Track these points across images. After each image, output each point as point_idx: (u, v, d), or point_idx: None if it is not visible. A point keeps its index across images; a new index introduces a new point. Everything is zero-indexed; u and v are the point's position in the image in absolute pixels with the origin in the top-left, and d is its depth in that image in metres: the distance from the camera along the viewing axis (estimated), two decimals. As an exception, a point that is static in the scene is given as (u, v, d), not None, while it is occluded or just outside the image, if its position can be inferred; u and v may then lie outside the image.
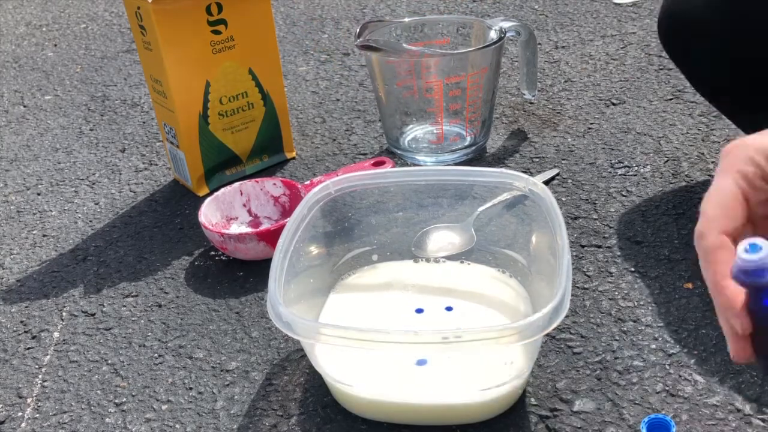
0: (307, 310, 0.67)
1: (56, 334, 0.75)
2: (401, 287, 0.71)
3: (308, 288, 0.68)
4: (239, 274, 0.80)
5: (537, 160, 0.94)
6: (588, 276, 0.74)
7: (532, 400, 0.61)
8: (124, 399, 0.66)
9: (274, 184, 0.86)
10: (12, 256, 0.87)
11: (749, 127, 0.78)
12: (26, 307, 0.79)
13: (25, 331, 0.75)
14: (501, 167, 0.92)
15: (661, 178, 0.88)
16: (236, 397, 0.65)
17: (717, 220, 0.45)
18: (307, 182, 0.87)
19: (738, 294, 0.42)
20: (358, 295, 0.71)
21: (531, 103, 1.08)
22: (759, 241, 0.40)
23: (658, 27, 0.82)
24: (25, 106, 1.25)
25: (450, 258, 0.74)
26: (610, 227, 0.81)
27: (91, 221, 0.92)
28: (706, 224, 0.45)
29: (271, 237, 0.77)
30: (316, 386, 0.65)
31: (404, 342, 0.55)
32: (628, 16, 1.35)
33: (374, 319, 0.67)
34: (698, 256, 0.45)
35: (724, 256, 0.43)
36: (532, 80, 1.02)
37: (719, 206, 0.45)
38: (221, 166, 0.95)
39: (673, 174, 0.89)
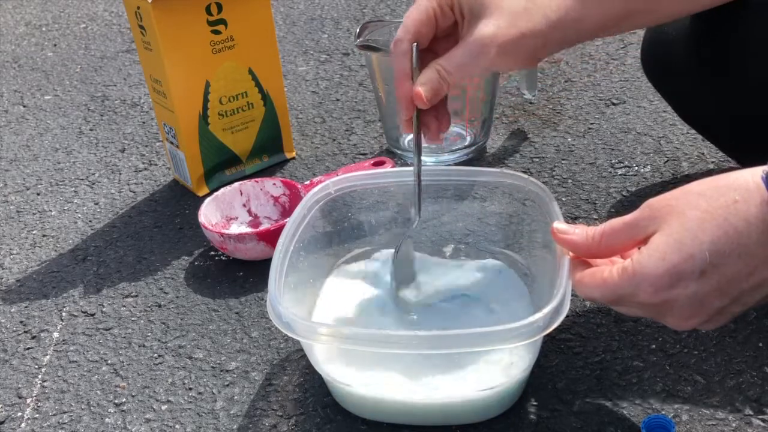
0: (306, 310, 0.67)
1: (56, 335, 0.75)
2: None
3: (308, 288, 0.68)
4: (239, 274, 0.80)
5: (537, 160, 0.94)
6: (588, 276, 0.74)
7: (532, 400, 0.61)
8: (124, 399, 0.66)
9: (274, 184, 0.86)
10: (12, 256, 0.87)
11: (739, 159, 0.80)
12: (26, 307, 0.79)
13: (25, 331, 0.75)
14: (501, 167, 0.92)
15: (661, 178, 0.88)
16: (236, 397, 0.65)
17: (410, 32, 0.61)
18: (307, 182, 0.87)
19: (406, 91, 0.61)
20: (355, 289, 0.71)
21: (531, 103, 1.08)
22: None
23: (642, 63, 0.84)
24: (24, 106, 1.25)
25: (450, 257, 0.74)
26: (610, 227, 0.80)
27: (90, 221, 0.92)
28: (404, 33, 0.61)
29: (271, 237, 0.77)
30: (316, 386, 0.65)
31: (404, 342, 0.55)
32: (628, 16, 1.35)
33: (368, 315, 0.67)
34: (393, 54, 0.61)
35: (406, 61, 0.61)
36: (532, 80, 1.02)
37: (416, 22, 0.61)
38: (221, 166, 0.95)
39: (673, 174, 0.89)
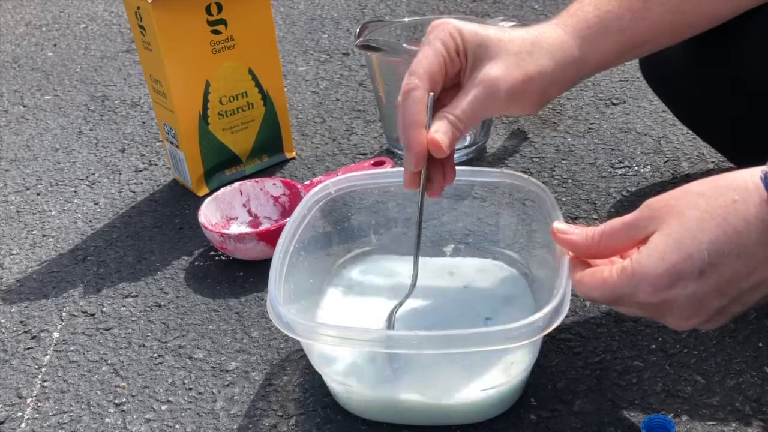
0: (306, 310, 0.67)
1: (56, 335, 0.75)
2: (401, 284, 0.71)
3: (308, 288, 0.68)
4: (239, 274, 0.80)
5: (537, 160, 0.94)
6: (588, 276, 0.74)
7: (532, 400, 0.61)
8: (124, 399, 0.66)
9: (274, 184, 0.86)
10: (12, 256, 0.87)
11: (737, 161, 0.80)
12: (26, 307, 0.79)
13: (25, 331, 0.75)
14: (501, 167, 0.92)
15: (660, 178, 0.88)
16: (236, 397, 0.65)
17: (425, 81, 0.57)
18: (307, 182, 0.87)
19: (420, 141, 0.56)
20: (357, 290, 0.71)
21: (531, 103, 1.08)
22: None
23: (640, 66, 0.84)
24: (24, 106, 1.25)
25: (450, 257, 0.74)
26: (610, 227, 0.80)
27: (90, 221, 0.92)
28: (418, 81, 0.57)
29: (271, 237, 0.77)
30: (316, 386, 0.65)
31: (404, 342, 0.55)
32: (628, 16, 1.35)
33: (372, 316, 0.67)
34: (403, 102, 0.57)
35: (421, 111, 0.57)
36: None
37: (428, 70, 0.57)
38: (221, 166, 0.95)
39: (673, 174, 0.89)
